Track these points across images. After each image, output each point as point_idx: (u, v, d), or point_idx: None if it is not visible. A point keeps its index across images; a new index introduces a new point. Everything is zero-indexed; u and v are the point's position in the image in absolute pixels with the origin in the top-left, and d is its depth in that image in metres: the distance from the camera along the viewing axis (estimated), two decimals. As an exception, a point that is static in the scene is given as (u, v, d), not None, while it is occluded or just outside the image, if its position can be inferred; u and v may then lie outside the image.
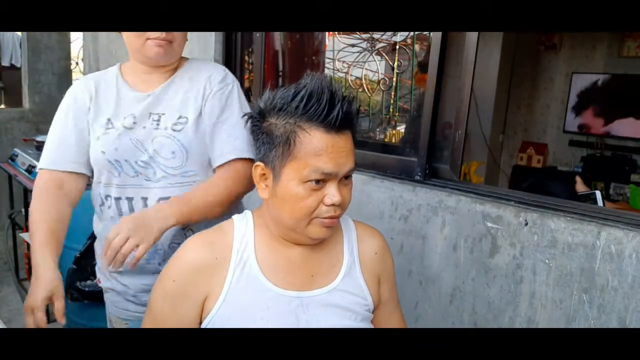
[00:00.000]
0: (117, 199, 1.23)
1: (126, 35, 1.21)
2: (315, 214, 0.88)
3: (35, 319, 1.03)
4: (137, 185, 1.21)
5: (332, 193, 0.87)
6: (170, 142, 1.19)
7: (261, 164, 0.92)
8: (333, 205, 0.88)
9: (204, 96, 1.23)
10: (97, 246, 1.36)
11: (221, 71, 1.28)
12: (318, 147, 0.85)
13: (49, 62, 4.13)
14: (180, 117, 1.21)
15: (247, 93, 2.34)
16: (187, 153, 1.20)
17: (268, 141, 0.89)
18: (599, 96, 3.87)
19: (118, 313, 1.32)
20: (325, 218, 0.89)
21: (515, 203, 1.55)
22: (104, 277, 1.32)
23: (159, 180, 1.20)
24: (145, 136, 1.20)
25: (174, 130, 1.20)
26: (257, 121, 0.92)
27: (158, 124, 1.20)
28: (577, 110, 3.98)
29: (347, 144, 0.89)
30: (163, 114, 1.21)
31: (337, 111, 0.85)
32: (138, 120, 1.21)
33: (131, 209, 1.22)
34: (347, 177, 0.90)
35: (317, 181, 0.86)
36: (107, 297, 1.34)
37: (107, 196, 1.24)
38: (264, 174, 0.92)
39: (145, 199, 1.21)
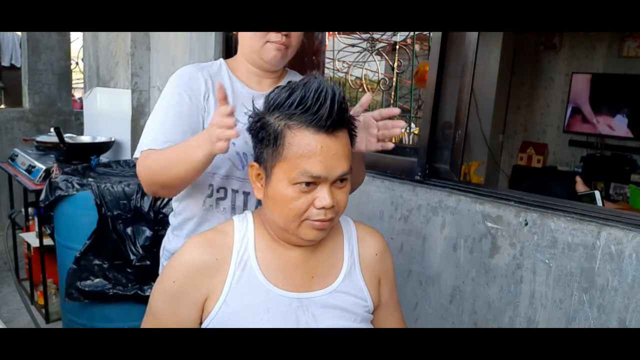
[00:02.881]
0: (235, 191, 1.22)
1: (244, 36, 1.21)
2: (306, 215, 0.87)
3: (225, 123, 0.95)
4: None
5: (322, 196, 0.86)
6: None
7: (256, 164, 0.92)
8: (324, 208, 0.86)
9: None
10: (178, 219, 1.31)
11: None
12: (307, 148, 0.84)
13: (49, 62, 4.12)
14: None
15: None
16: None
17: (260, 140, 0.89)
18: (599, 96, 3.87)
19: None
20: (315, 220, 0.88)
21: (515, 203, 1.55)
22: None
23: None
24: None
25: None
26: (254, 120, 0.92)
27: None
28: (577, 110, 3.98)
29: (340, 146, 0.87)
30: None
31: (325, 109, 0.83)
32: None
33: (245, 204, 1.22)
34: (343, 180, 0.89)
35: (308, 184, 0.85)
36: None
37: (221, 188, 1.23)
38: (258, 174, 0.92)
39: None
